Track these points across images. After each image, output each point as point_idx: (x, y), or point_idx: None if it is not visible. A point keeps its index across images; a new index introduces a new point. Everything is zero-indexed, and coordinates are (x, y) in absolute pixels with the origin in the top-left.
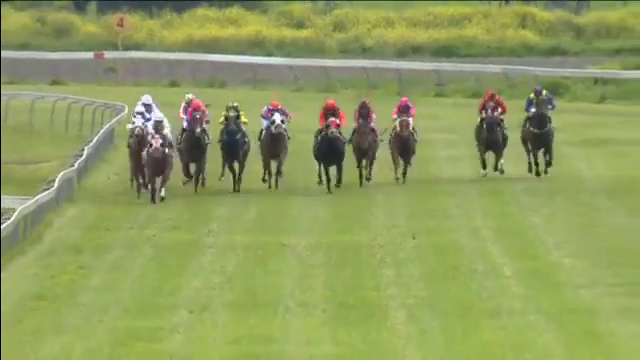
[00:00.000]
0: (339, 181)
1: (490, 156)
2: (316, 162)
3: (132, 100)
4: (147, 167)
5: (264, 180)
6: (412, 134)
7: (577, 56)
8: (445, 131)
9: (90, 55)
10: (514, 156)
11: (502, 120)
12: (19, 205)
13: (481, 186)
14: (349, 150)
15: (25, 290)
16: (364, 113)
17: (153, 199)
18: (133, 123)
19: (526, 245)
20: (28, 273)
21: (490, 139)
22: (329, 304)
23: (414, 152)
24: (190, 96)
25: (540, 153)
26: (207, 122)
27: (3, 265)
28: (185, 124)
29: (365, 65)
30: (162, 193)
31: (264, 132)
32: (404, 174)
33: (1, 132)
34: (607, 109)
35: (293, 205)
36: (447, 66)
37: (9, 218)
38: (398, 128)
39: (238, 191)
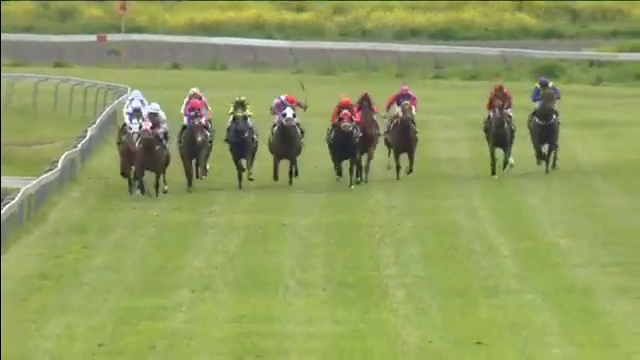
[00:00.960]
0: (358, 175)
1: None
2: (331, 157)
3: (135, 82)
4: (136, 153)
5: (276, 178)
6: (413, 122)
7: (573, 39)
8: (443, 113)
9: (93, 38)
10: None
11: (510, 117)
12: (23, 186)
13: (478, 167)
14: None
15: (30, 269)
16: (366, 105)
17: (142, 190)
18: (131, 123)
19: (523, 225)
20: (32, 253)
21: (499, 135)
22: (329, 283)
23: (416, 142)
24: (195, 90)
25: (546, 148)
26: (208, 121)
27: (8, 245)
28: (186, 121)
29: (364, 48)
30: (165, 187)
31: (276, 127)
32: (410, 169)
33: (6, 114)
34: (602, 91)
35: (293, 187)
36: (445, 49)
37: (13, 198)
38: (400, 113)
39: (251, 179)
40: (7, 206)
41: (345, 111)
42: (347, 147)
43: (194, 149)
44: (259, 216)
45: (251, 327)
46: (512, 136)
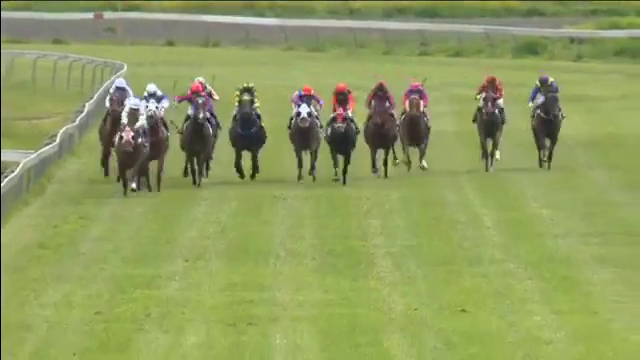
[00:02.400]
0: (344, 171)
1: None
2: (330, 155)
3: (130, 58)
4: (117, 160)
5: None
6: (424, 117)
7: (554, 17)
8: (429, 89)
9: (90, 16)
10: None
11: (502, 108)
12: (23, 159)
13: (464, 141)
14: (360, 141)
15: (29, 239)
16: (381, 96)
17: (125, 191)
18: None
19: (506, 198)
20: (32, 223)
21: (489, 123)
22: (318, 253)
23: (427, 137)
24: (201, 79)
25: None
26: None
27: (8, 216)
28: (190, 110)
29: (352, 26)
30: (133, 185)
31: (293, 121)
32: (422, 162)
33: (6, 89)
34: (583, 67)
35: (284, 161)
36: (430, 26)
37: (13, 171)
38: (407, 108)
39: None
40: (7, 179)
41: (339, 111)
42: (344, 143)
43: (197, 140)
44: (251, 188)
45: (243, 295)
46: (502, 126)
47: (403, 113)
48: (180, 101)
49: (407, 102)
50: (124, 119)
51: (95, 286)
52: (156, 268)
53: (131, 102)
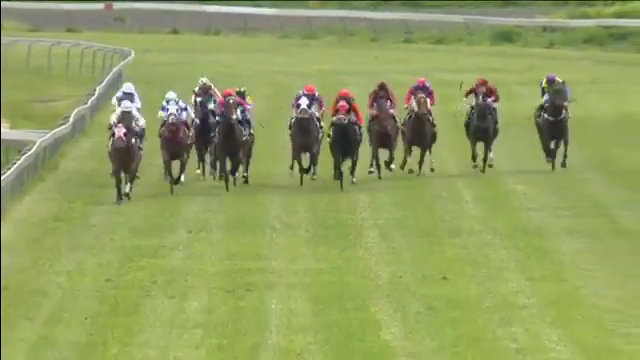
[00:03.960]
0: (352, 173)
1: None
2: (332, 155)
3: (138, 45)
4: (110, 158)
5: (292, 168)
6: (430, 117)
7: (528, 7)
8: (412, 73)
9: (101, 6)
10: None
11: (495, 109)
12: (39, 138)
13: (445, 122)
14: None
15: (44, 213)
16: (383, 96)
17: (120, 195)
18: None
19: (484, 175)
20: (47, 198)
21: (480, 128)
22: (311, 225)
23: (434, 139)
24: (205, 80)
25: (553, 143)
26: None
27: (26, 190)
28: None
29: (342, 15)
30: (127, 189)
31: (293, 120)
32: (420, 163)
33: (23, 74)
34: (554, 54)
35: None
36: (414, 16)
37: (30, 149)
38: (415, 107)
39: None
40: (24, 156)
41: (342, 102)
42: (345, 141)
43: (229, 142)
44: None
45: (241, 264)
46: (495, 131)
47: (408, 112)
48: (221, 112)
49: (412, 100)
50: (113, 119)
51: (105, 255)
52: (161, 239)
53: (123, 105)
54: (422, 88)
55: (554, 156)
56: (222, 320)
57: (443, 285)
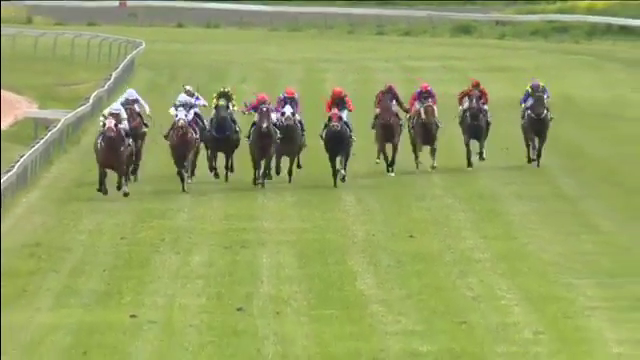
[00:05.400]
0: (344, 167)
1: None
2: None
3: (148, 37)
4: (97, 153)
5: (278, 173)
6: (437, 123)
7: (484, 4)
8: (383, 60)
9: (116, 4)
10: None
11: (486, 111)
12: (63, 117)
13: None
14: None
15: (68, 180)
16: (388, 98)
17: (100, 188)
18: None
19: (446, 149)
20: (71, 167)
21: (474, 127)
22: (296, 191)
23: (436, 138)
24: (188, 87)
25: (537, 141)
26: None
27: (53, 161)
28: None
29: (323, 11)
30: (125, 189)
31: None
32: (433, 161)
33: (50, 62)
34: (505, 44)
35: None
36: (385, 12)
37: (56, 126)
38: (423, 115)
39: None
40: (50, 132)
41: (334, 111)
42: (337, 145)
43: (264, 147)
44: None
45: (237, 224)
46: (487, 127)
47: (410, 117)
48: (249, 111)
49: (418, 106)
50: (102, 120)
51: (121, 217)
52: (169, 202)
53: (113, 107)
54: (426, 93)
55: (538, 152)
56: (220, 272)
57: (410, 242)
